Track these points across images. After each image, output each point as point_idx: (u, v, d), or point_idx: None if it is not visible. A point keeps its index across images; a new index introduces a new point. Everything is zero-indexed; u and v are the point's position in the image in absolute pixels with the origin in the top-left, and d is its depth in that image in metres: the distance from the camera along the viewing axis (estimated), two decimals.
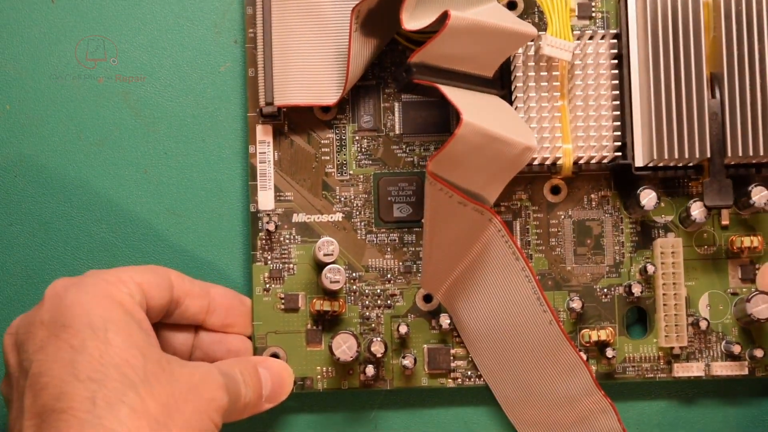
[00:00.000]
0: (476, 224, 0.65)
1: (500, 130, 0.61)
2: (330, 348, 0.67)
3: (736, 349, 0.68)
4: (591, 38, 0.67)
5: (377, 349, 0.67)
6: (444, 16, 0.61)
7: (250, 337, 0.68)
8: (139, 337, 0.54)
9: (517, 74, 0.67)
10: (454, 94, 0.62)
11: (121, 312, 0.55)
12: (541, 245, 0.69)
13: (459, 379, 0.69)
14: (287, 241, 0.69)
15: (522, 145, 0.62)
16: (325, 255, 0.67)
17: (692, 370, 0.68)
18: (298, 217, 0.70)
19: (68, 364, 0.51)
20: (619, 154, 0.67)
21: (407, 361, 0.68)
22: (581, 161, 0.67)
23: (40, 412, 0.51)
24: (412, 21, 0.63)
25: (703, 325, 0.68)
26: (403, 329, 0.68)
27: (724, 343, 0.69)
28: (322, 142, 0.70)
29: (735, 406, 0.70)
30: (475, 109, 0.62)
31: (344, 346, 0.66)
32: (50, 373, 0.52)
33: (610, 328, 0.68)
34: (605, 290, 0.69)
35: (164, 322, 0.63)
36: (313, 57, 0.68)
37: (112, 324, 0.53)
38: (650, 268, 0.68)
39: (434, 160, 0.60)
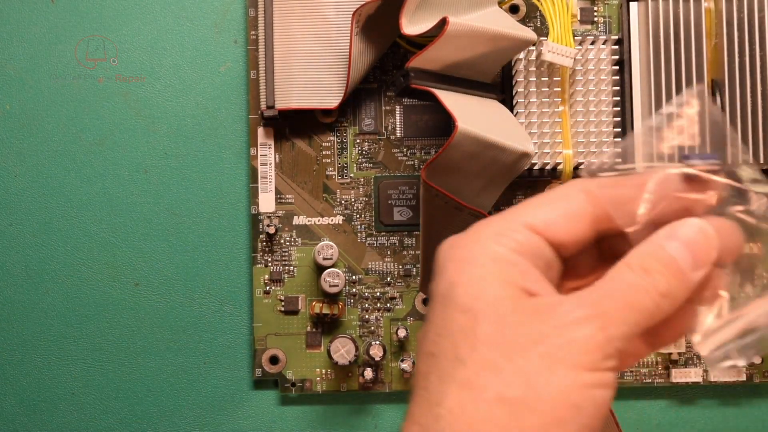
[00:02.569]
0: None
1: (497, 136, 0.61)
2: (329, 352, 0.67)
3: None
4: (593, 43, 0.67)
5: (376, 352, 0.67)
6: (443, 22, 0.60)
7: None
8: (507, 307, 0.45)
9: (518, 79, 0.67)
10: (450, 99, 0.62)
11: (494, 284, 0.45)
12: None
13: None
14: (288, 243, 0.69)
15: (519, 151, 0.62)
16: (324, 259, 0.67)
17: (690, 375, 0.69)
18: (299, 220, 0.70)
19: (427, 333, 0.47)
20: (620, 159, 0.67)
21: (406, 365, 0.68)
22: (581, 166, 0.67)
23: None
24: (411, 26, 0.62)
25: None
26: (402, 332, 0.68)
27: None
28: (323, 145, 0.70)
29: (734, 407, 0.71)
30: (472, 115, 0.62)
31: (342, 351, 0.67)
32: (423, 337, 0.48)
33: None
34: None
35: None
36: (315, 60, 0.68)
37: (480, 302, 0.45)
38: None
39: (429, 166, 0.60)
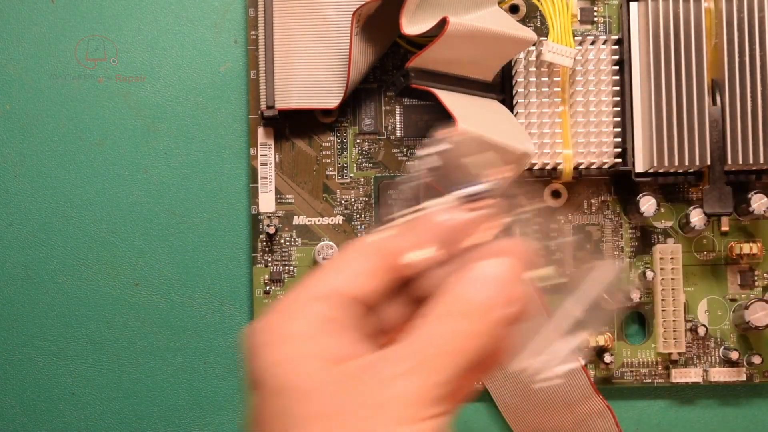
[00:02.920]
0: None
1: (497, 136, 0.61)
2: None
3: (734, 355, 0.68)
4: (593, 43, 0.67)
5: None
6: (443, 22, 0.60)
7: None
8: (325, 377, 0.45)
9: (518, 79, 0.67)
10: (450, 99, 0.62)
11: (301, 361, 0.46)
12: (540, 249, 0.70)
13: None
14: (288, 243, 0.69)
15: (519, 151, 0.62)
16: (324, 259, 0.67)
17: (690, 375, 0.69)
18: (299, 220, 0.70)
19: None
20: (620, 160, 0.67)
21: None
22: (581, 167, 0.67)
23: None
24: (412, 26, 0.63)
25: (701, 331, 0.68)
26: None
27: (722, 349, 0.69)
28: (323, 144, 0.70)
29: (734, 407, 0.71)
30: (472, 114, 0.62)
31: None
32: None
33: (609, 333, 0.69)
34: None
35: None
36: (315, 60, 0.68)
37: (294, 378, 0.46)
38: (649, 274, 0.68)
39: None
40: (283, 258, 0.69)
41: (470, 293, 0.46)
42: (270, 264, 0.69)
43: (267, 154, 0.70)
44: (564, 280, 0.51)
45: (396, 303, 0.49)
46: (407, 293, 0.49)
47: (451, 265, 0.48)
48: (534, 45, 0.66)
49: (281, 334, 0.46)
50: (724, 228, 0.69)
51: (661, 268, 0.68)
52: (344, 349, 0.45)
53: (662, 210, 0.69)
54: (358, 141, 0.70)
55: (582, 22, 0.70)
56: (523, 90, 0.67)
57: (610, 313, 0.51)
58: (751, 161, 0.65)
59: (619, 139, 0.67)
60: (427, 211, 0.48)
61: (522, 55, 0.67)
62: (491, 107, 0.65)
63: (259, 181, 0.69)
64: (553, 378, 0.50)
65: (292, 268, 0.69)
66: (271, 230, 0.68)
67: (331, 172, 0.70)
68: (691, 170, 0.67)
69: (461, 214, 0.48)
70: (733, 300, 0.69)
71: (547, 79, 0.67)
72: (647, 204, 0.67)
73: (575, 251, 0.70)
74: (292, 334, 0.46)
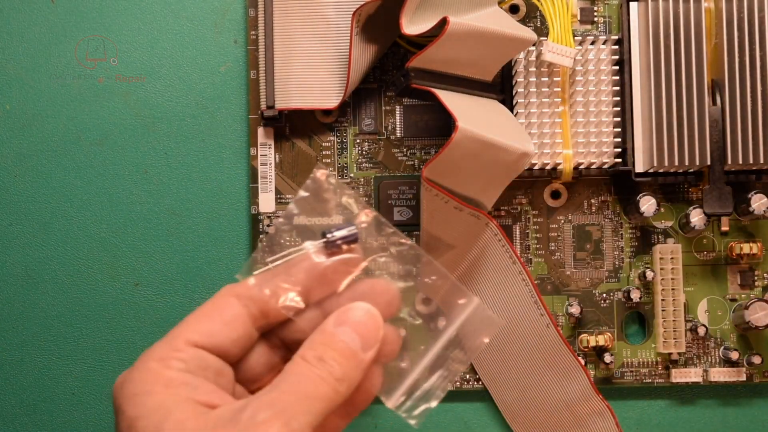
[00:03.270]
0: (473, 229, 0.65)
1: (497, 136, 0.61)
2: None
3: (734, 355, 0.68)
4: (593, 43, 0.67)
5: None
6: (443, 22, 0.60)
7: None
8: (191, 427, 0.46)
9: (518, 79, 0.67)
10: (450, 99, 0.62)
11: (174, 408, 0.47)
12: (540, 250, 0.70)
13: (458, 383, 0.69)
14: (287, 243, 0.69)
15: (519, 151, 0.62)
16: None
17: (690, 375, 0.69)
18: (299, 220, 0.70)
19: None
20: (620, 159, 0.67)
21: (405, 364, 0.68)
22: (581, 166, 0.67)
23: None
24: (412, 26, 0.63)
25: (701, 331, 0.68)
26: (402, 332, 0.68)
27: (722, 349, 0.69)
28: (323, 144, 0.70)
29: (734, 407, 0.71)
30: (472, 114, 0.62)
31: None
32: None
33: (609, 333, 0.69)
34: (604, 295, 0.69)
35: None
36: (315, 60, 0.68)
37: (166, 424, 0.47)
38: (649, 274, 0.68)
39: (429, 166, 0.60)
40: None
41: (332, 339, 0.48)
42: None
43: (267, 154, 0.70)
44: (419, 322, 0.52)
45: (267, 348, 0.51)
46: (278, 338, 0.51)
47: (318, 310, 0.50)
48: (534, 45, 0.66)
49: (154, 382, 0.47)
50: (724, 228, 0.69)
51: (661, 268, 0.68)
52: (212, 397, 0.47)
53: (662, 210, 0.69)
54: (358, 141, 0.70)
55: (582, 22, 0.70)
56: (523, 90, 0.67)
57: (478, 347, 0.53)
58: (751, 161, 0.65)
59: (619, 139, 0.67)
60: (297, 256, 0.51)
61: (522, 55, 0.67)
62: (491, 107, 0.65)
63: (259, 181, 0.69)
64: (425, 413, 0.51)
65: None
66: (271, 230, 0.68)
67: (331, 172, 0.70)
68: (691, 170, 0.67)
69: (328, 258, 0.50)
70: (733, 300, 0.69)
71: (547, 79, 0.67)
72: (647, 204, 0.67)
73: (575, 251, 0.70)
74: (165, 381, 0.47)
